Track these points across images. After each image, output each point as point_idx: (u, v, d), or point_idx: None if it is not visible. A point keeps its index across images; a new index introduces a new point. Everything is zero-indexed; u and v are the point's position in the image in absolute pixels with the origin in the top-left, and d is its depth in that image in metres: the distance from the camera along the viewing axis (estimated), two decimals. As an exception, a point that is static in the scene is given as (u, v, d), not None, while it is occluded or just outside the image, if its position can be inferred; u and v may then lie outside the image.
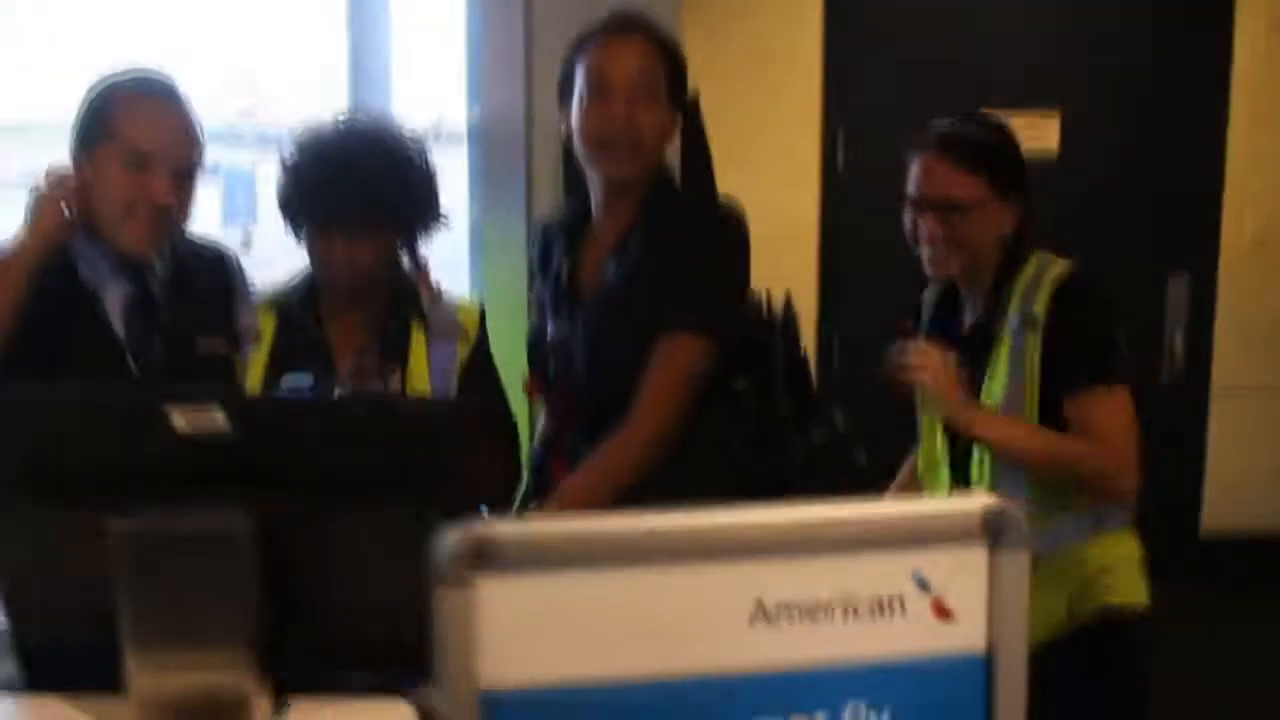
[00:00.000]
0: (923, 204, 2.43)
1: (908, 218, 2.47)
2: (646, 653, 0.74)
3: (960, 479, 2.47)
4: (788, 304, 3.29)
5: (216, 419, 1.17)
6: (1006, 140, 2.49)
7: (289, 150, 2.50)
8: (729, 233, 2.51)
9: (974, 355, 2.42)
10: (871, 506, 0.77)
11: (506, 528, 0.72)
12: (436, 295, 2.55)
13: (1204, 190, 4.76)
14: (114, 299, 2.47)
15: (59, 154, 2.55)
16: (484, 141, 3.42)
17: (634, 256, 2.44)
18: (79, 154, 2.44)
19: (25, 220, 2.39)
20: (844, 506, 0.75)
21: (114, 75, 2.48)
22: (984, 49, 4.73)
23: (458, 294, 2.65)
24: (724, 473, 2.44)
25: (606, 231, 2.50)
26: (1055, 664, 1.97)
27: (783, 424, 2.66)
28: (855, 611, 0.76)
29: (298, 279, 2.56)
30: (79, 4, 3.65)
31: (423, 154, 2.51)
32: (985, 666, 0.78)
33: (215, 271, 2.63)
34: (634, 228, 2.46)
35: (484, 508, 1.96)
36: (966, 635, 0.77)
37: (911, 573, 0.76)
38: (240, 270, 2.67)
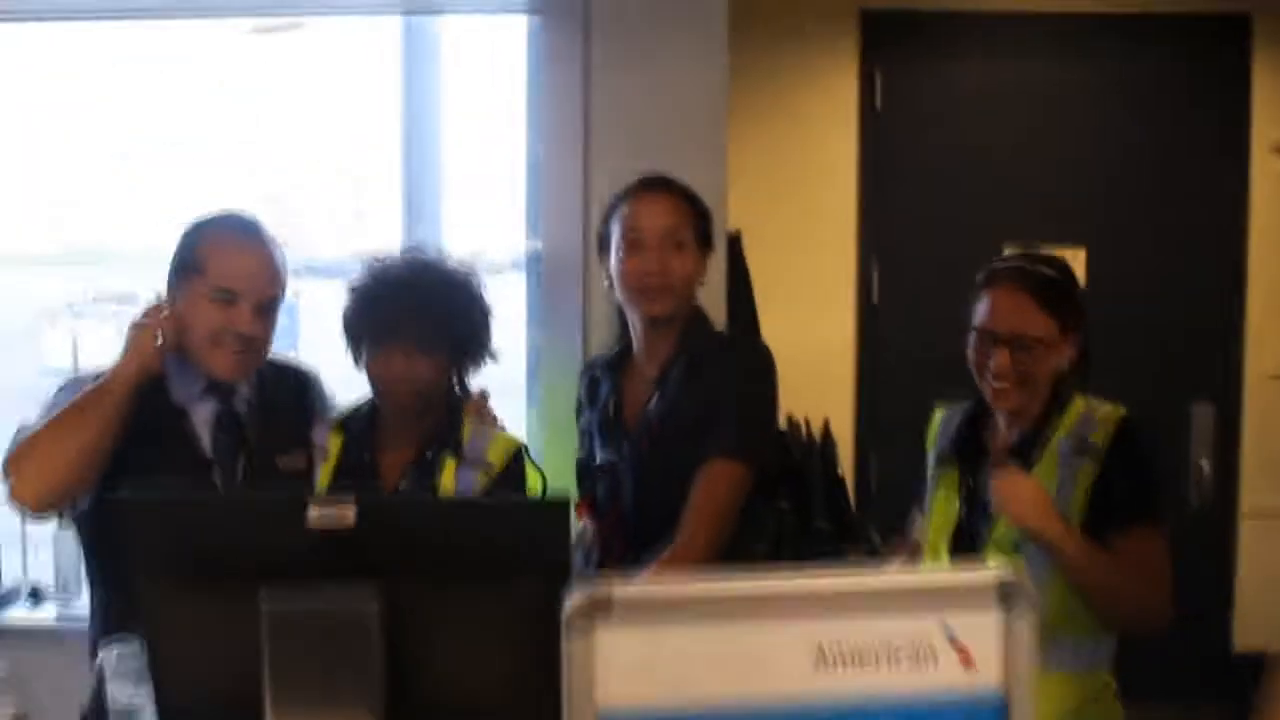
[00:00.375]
0: (995, 338, 2.44)
1: (974, 348, 2.48)
2: (730, 686, 0.93)
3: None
4: (825, 429, 3.47)
5: (347, 515, 1.38)
6: (1072, 280, 2.52)
7: (359, 275, 2.68)
8: (760, 364, 2.73)
9: None
10: (911, 574, 0.96)
11: (620, 588, 0.92)
12: (492, 422, 2.71)
13: (1226, 321, 4.86)
14: (202, 417, 2.64)
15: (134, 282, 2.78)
16: (543, 271, 3.55)
17: (674, 388, 2.64)
18: (173, 285, 2.62)
19: (123, 348, 2.55)
20: (890, 573, 0.95)
21: (207, 215, 2.66)
22: (1012, 184, 4.85)
23: (508, 428, 2.77)
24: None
25: (648, 366, 2.72)
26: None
27: (822, 543, 2.85)
28: (898, 658, 0.95)
29: (364, 404, 2.71)
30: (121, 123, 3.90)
31: (479, 288, 2.69)
32: (1002, 703, 0.96)
33: (298, 391, 2.81)
34: (673, 361, 2.67)
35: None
36: (987, 678, 0.96)
37: (943, 627, 0.96)
38: (321, 390, 2.84)
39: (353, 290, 2.68)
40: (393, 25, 3.83)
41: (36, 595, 3.75)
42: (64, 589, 3.70)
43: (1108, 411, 2.43)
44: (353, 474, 2.65)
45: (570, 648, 0.90)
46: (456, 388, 2.70)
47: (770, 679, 0.93)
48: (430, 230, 3.80)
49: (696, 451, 2.56)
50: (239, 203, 2.79)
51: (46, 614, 3.70)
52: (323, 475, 2.69)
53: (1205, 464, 4.85)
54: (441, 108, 3.87)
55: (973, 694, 0.96)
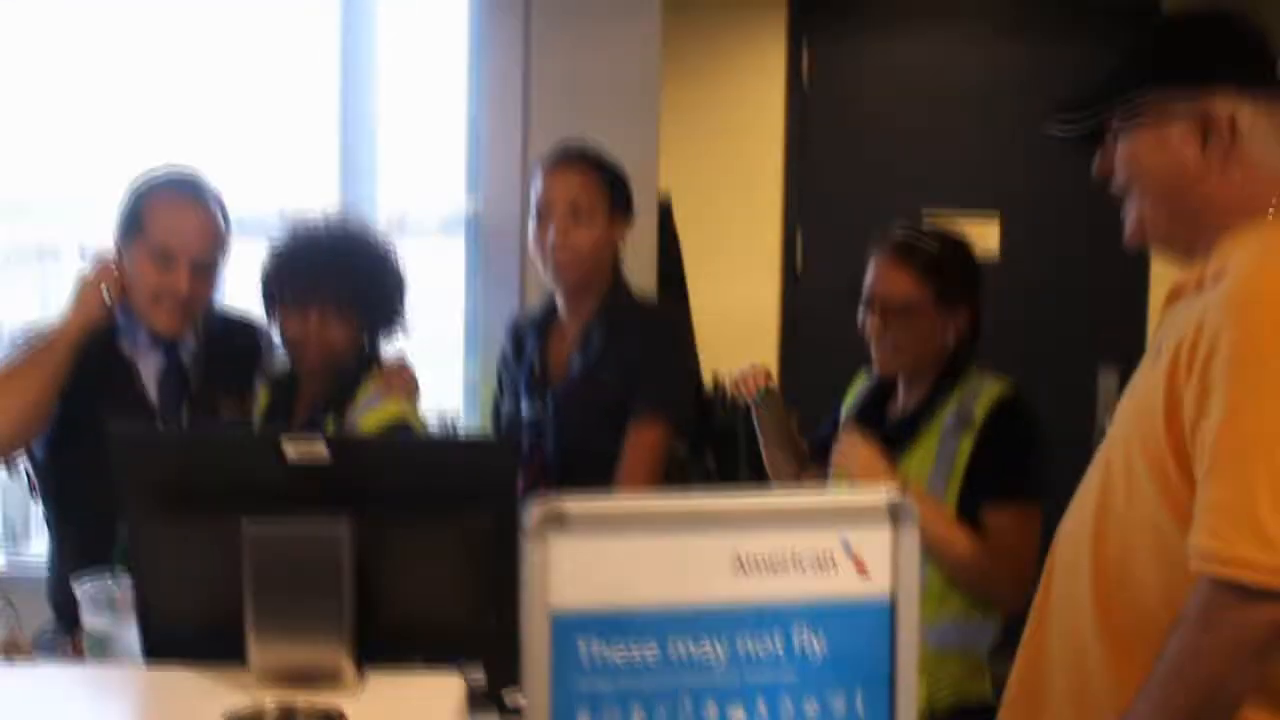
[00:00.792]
0: (872, 303, 2.59)
1: (861, 313, 2.63)
2: (662, 589, 1.11)
3: None
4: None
5: (319, 450, 1.54)
6: (961, 255, 2.64)
7: (279, 235, 2.78)
8: (677, 327, 2.90)
9: (895, 443, 2.56)
10: (814, 494, 1.14)
11: (571, 504, 1.09)
12: (405, 389, 2.80)
13: (1131, 290, 5.00)
14: (149, 368, 2.77)
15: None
16: (482, 232, 3.69)
17: (595, 349, 2.82)
18: (118, 243, 2.74)
19: (69, 302, 2.68)
20: (796, 494, 1.12)
21: (151, 173, 2.77)
22: (932, 157, 5.04)
23: (422, 392, 2.85)
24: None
25: (571, 326, 2.89)
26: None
27: None
28: (803, 566, 1.13)
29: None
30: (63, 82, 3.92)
31: (396, 258, 2.81)
32: (891, 607, 1.15)
33: (245, 344, 2.91)
34: (594, 323, 2.84)
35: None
36: (878, 585, 1.14)
37: (840, 540, 1.14)
38: (267, 342, 2.93)
39: (272, 249, 2.77)
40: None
41: (-13, 543, 3.83)
42: (13, 538, 3.79)
43: (991, 387, 2.54)
44: (275, 421, 2.77)
45: (529, 554, 1.06)
46: (367, 351, 2.79)
47: (695, 583, 1.10)
48: (365, 190, 3.90)
49: (614, 408, 2.74)
50: (165, 157, 2.86)
51: (-4, 561, 3.76)
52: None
53: (1108, 427, 5.06)
54: (378, 70, 3.96)
55: (867, 598, 1.14)
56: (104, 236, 2.80)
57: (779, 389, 2.88)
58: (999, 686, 1.98)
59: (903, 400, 2.65)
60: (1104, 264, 5.05)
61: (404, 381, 2.80)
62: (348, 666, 1.55)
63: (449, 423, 3.46)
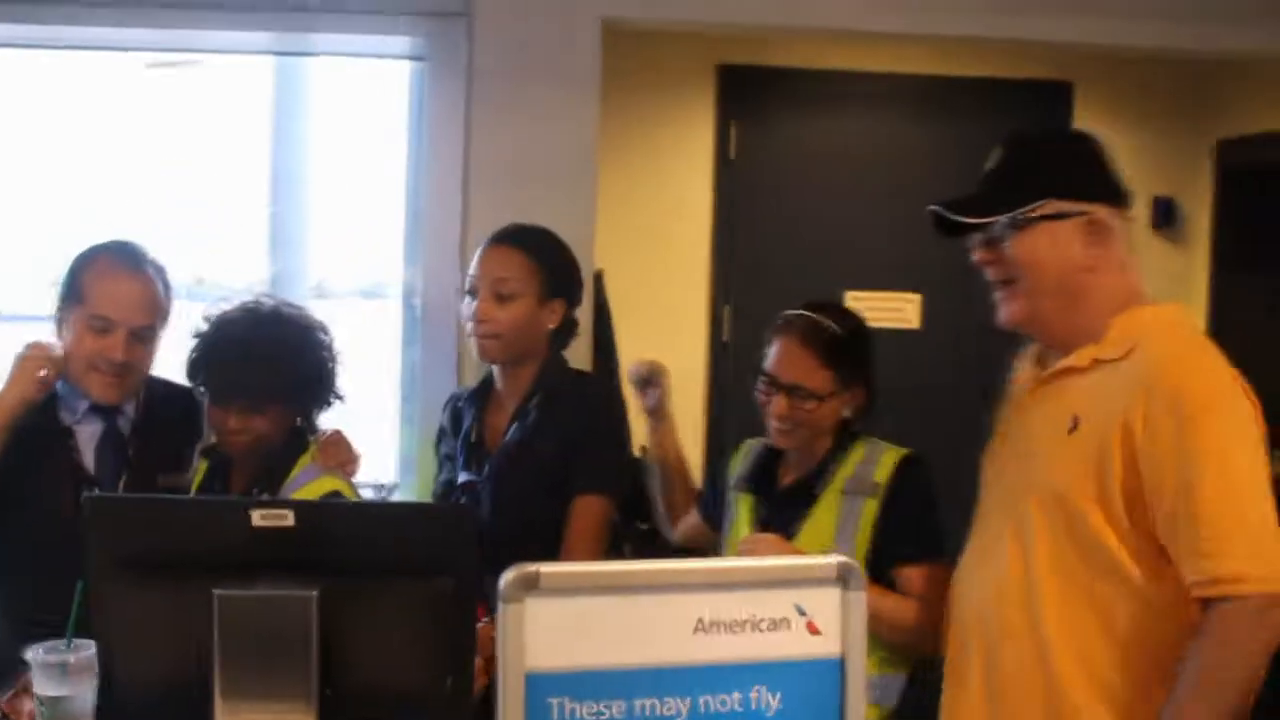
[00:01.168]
0: (777, 384, 2.63)
1: (761, 389, 2.67)
2: (629, 649, 1.18)
3: None
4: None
5: (286, 516, 1.59)
6: (860, 335, 2.69)
7: (202, 325, 2.75)
8: (611, 403, 2.97)
9: (789, 508, 2.62)
10: (769, 561, 1.22)
11: (545, 568, 1.17)
12: (341, 460, 2.81)
13: None
14: (87, 436, 2.77)
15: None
16: (422, 302, 3.72)
17: (531, 420, 2.87)
18: (59, 312, 2.77)
19: (9, 376, 2.68)
20: (752, 561, 1.20)
21: (94, 245, 2.79)
22: (854, 233, 5.17)
23: (360, 462, 2.87)
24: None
25: (508, 399, 2.94)
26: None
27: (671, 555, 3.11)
28: (760, 627, 1.21)
29: None
30: None
31: (322, 334, 2.80)
32: (840, 665, 1.23)
33: (184, 413, 2.89)
34: (530, 396, 2.89)
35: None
36: (828, 645, 1.23)
37: (794, 603, 1.22)
38: (206, 412, 2.84)
39: (196, 339, 2.76)
40: (293, 64, 4.01)
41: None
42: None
43: (890, 452, 2.63)
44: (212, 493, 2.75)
45: (504, 616, 1.13)
46: (304, 426, 2.80)
47: (660, 644, 1.18)
48: (297, 259, 3.95)
49: (550, 477, 2.80)
50: (106, 230, 2.89)
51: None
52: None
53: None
54: (312, 142, 4.03)
55: (818, 657, 1.22)
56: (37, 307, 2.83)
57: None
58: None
59: (795, 467, 2.70)
60: (1019, 341, 5.22)
61: (339, 453, 2.82)
62: (314, 729, 1.60)
63: (385, 494, 3.49)
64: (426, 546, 1.65)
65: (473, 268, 2.91)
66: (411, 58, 3.81)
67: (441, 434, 3.10)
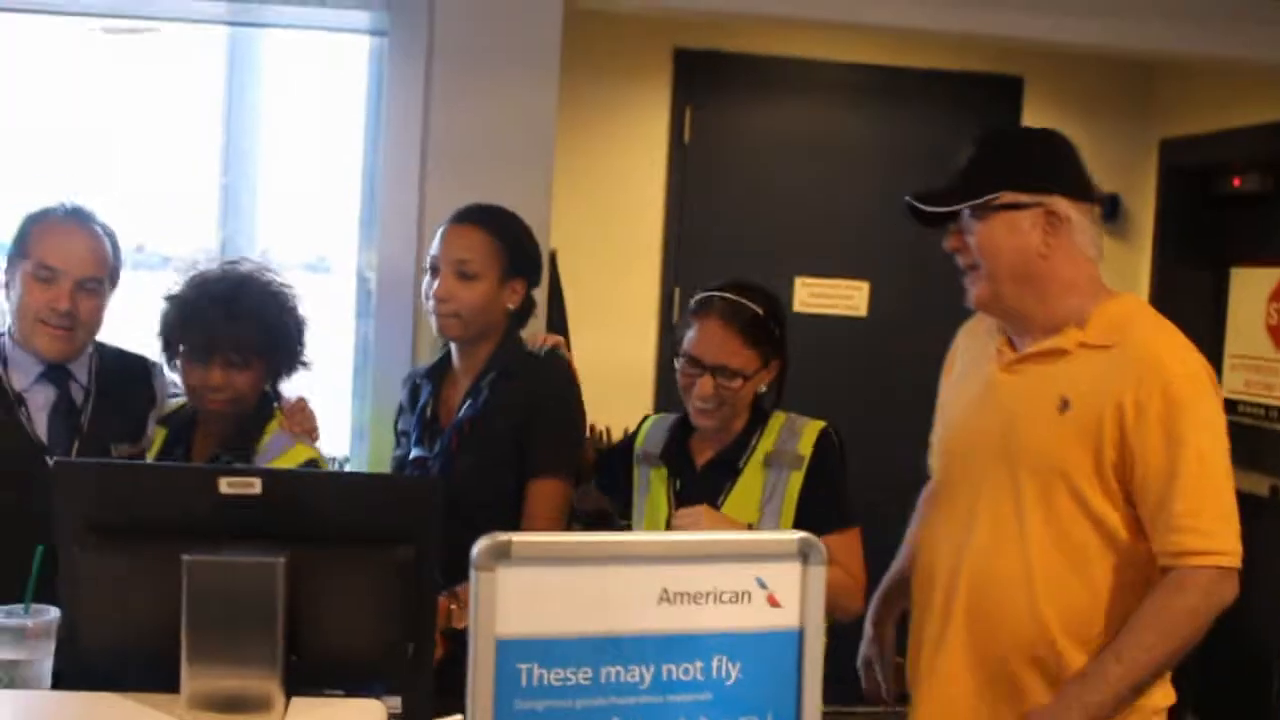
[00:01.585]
0: (699, 364, 2.67)
1: (682, 370, 2.72)
2: (596, 618, 1.22)
3: None
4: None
5: (253, 485, 1.61)
6: (776, 312, 2.74)
7: (178, 284, 2.78)
8: (566, 384, 3.00)
9: (707, 483, 2.68)
10: (732, 536, 1.26)
11: (517, 537, 1.20)
12: (307, 427, 2.87)
13: None
14: (38, 403, 2.72)
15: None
16: (378, 278, 3.72)
17: (484, 398, 2.89)
18: (6, 274, 2.75)
19: None
20: (716, 535, 1.24)
21: (42, 205, 2.76)
22: (805, 220, 5.24)
23: (321, 431, 2.93)
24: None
25: (463, 376, 2.97)
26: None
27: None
28: (721, 599, 1.25)
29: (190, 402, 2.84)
30: None
31: (294, 299, 2.84)
32: (799, 637, 1.27)
33: (137, 381, 2.87)
34: (485, 374, 2.92)
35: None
36: (788, 617, 1.27)
37: (755, 576, 1.26)
38: (162, 381, 2.91)
39: (171, 299, 2.78)
40: (251, 35, 3.99)
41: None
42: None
43: (810, 425, 2.70)
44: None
45: (476, 584, 1.17)
46: (270, 392, 2.84)
47: (625, 613, 1.22)
48: (245, 230, 3.94)
49: (502, 452, 2.82)
50: (55, 194, 2.84)
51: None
52: None
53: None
54: (266, 114, 4.01)
55: (778, 629, 1.26)
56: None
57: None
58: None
59: (712, 442, 2.75)
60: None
61: (304, 419, 2.85)
62: (278, 695, 1.62)
63: (337, 467, 3.50)
64: (390, 516, 1.68)
65: (434, 246, 2.92)
66: (372, 32, 3.81)
67: (400, 410, 3.12)
